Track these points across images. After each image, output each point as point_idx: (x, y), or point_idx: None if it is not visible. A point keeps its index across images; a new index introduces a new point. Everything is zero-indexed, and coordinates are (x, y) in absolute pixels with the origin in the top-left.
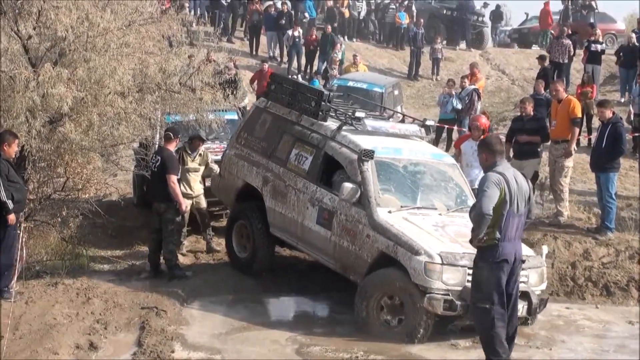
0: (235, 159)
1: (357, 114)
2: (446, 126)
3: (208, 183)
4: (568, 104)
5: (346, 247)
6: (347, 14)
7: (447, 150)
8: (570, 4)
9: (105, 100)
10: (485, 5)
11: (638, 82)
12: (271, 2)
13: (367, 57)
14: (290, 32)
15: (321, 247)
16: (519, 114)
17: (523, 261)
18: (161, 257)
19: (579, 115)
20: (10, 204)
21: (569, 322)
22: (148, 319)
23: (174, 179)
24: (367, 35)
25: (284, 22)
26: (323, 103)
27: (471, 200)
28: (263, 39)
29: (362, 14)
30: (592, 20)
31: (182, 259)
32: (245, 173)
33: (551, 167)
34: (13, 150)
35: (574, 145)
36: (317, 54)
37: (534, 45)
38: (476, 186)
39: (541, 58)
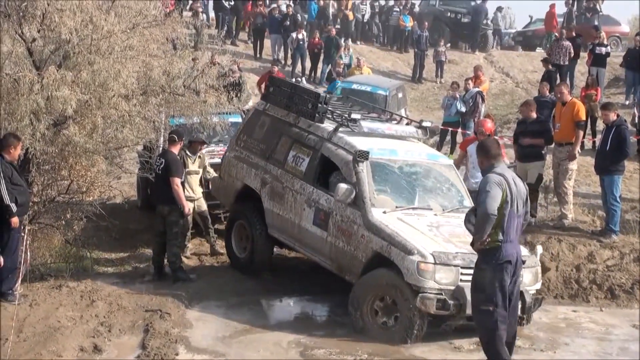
0: (234, 161)
1: (353, 116)
2: (450, 129)
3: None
4: (572, 106)
5: (342, 247)
6: (351, 17)
7: (451, 152)
8: (574, 6)
9: (110, 103)
10: (500, 9)
11: None
12: (275, 5)
13: (371, 60)
14: (294, 34)
15: (318, 248)
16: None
17: (524, 262)
18: (165, 260)
19: (583, 118)
20: (14, 207)
21: (573, 324)
22: (152, 321)
23: (177, 181)
24: (371, 38)
25: (288, 24)
26: (319, 105)
27: (467, 201)
28: (267, 42)
29: (366, 16)
30: (596, 23)
31: (186, 262)
32: (244, 175)
33: (555, 170)
34: (16, 153)
35: (578, 148)
36: (322, 57)
37: (538, 48)
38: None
39: (545, 61)
